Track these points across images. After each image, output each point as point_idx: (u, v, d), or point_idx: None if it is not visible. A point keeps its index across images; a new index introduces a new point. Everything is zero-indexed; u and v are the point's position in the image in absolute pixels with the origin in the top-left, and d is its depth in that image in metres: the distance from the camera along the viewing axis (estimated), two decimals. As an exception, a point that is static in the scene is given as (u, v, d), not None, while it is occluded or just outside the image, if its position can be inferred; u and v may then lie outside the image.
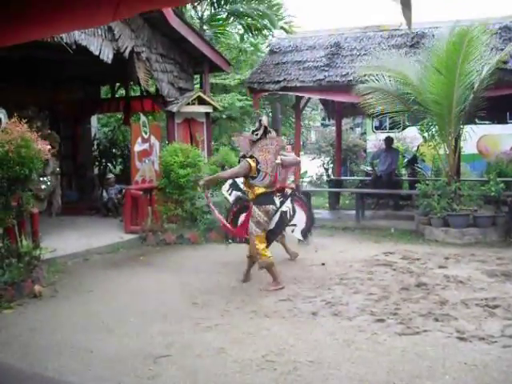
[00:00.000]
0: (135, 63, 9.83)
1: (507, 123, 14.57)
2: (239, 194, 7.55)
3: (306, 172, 16.54)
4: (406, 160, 14.68)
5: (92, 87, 13.41)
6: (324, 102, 14.50)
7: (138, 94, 13.44)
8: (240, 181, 7.34)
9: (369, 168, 14.36)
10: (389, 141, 13.03)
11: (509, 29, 10.48)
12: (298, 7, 36.41)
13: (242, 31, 16.96)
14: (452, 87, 9.33)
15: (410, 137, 15.80)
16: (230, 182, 7.68)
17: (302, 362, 4.52)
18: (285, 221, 7.07)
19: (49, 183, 9.05)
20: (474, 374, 4.23)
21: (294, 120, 15.28)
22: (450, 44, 9.22)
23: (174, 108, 10.78)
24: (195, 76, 12.46)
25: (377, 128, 17.49)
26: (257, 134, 6.64)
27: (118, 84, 13.87)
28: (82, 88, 12.95)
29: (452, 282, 6.76)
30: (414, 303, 5.98)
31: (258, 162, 6.57)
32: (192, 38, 10.74)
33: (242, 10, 14.94)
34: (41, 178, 8.49)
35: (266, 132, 6.66)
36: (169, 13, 9.85)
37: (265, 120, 6.83)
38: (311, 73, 11.25)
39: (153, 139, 10.51)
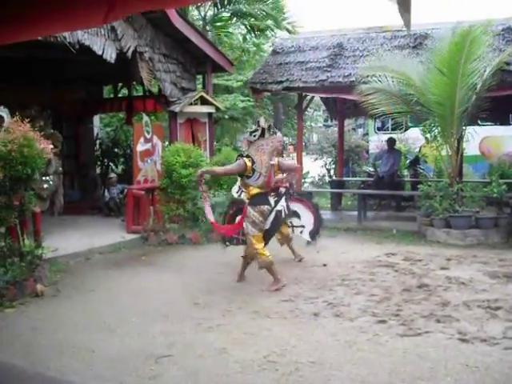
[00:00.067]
0: (138, 63, 9.84)
1: (510, 125, 14.53)
2: None
3: (308, 173, 16.54)
4: (408, 161, 14.65)
5: (95, 87, 13.42)
6: (326, 103, 14.50)
7: (141, 93, 13.45)
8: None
9: (371, 169, 14.34)
10: (391, 142, 13.02)
11: (512, 30, 10.47)
12: (301, 8, 36.42)
13: (244, 31, 16.95)
14: (454, 88, 9.33)
15: (413, 138, 15.77)
16: (239, 183, 7.69)
17: (303, 362, 4.52)
18: (280, 220, 7.08)
19: (51, 183, 9.06)
20: (475, 375, 4.23)
21: (296, 121, 15.27)
22: (452, 44, 9.22)
23: (176, 108, 10.78)
24: (198, 76, 12.46)
25: (379, 129, 17.48)
26: (255, 136, 6.68)
27: (120, 84, 13.88)
28: (85, 88, 12.95)
29: (454, 283, 6.76)
30: (415, 304, 5.98)
31: (253, 162, 6.61)
32: (195, 38, 10.74)
33: (245, 10, 14.93)
34: (43, 178, 8.50)
35: (263, 133, 6.69)
36: (172, 13, 9.86)
37: (262, 121, 6.86)
38: (314, 73, 11.25)
39: (155, 139, 10.51)
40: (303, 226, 7.84)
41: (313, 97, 12.89)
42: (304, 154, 15.21)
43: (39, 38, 7.58)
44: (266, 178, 6.66)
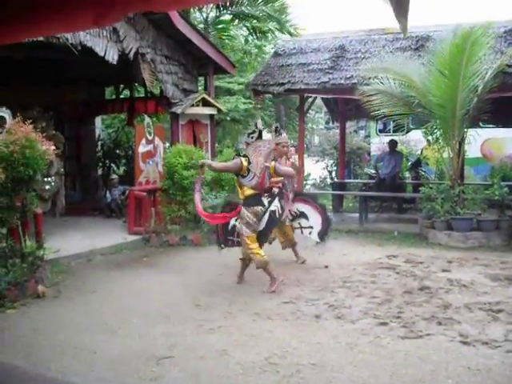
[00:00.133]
0: (140, 64, 9.85)
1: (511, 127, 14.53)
2: None
3: (310, 174, 16.54)
4: (409, 163, 14.66)
5: (96, 88, 13.44)
6: (328, 105, 14.51)
7: (143, 95, 13.46)
8: None
9: (372, 171, 14.34)
10: (393, 144, 13.03)
11: (514, 32, 10.47)
12: (304, 10, 36.40)
13: (246, 33, 16.96)
14: (456, 90, 9.32)
15: (414, 140, 15.79)
16: None
17: (304, 364, 4.51)
18: (274, 220, 7.11)
19: (53, 184, 9.07)
20: (477, 378, 4.22)
21: (297, 122, 15.28)
22: (453, 46, 9.22)
23: (178, 109, 10.79)
24: (199, 78, 12.47)
25: (381, 131, 17.49)
26: (252, 137, 6.78)
27: (122, 85, 13.90)
28: (87, 89, 12.98)
29: (455, 285, 6.75)
30: (417, 307, 5.97)
31: (250, 163, 6.68)
32: (197, 40, 10.75)
33: (247, 11, 14.93)
34: (45, 179, 8.51)
35: (260, 135, 6.80)
36: (174, 14, 9.87)
37: (259, 123, 6.99)
38: (316, 75, 11.26)
39: (157, 140, 10.52)
40: (311, 227, 7.87)
41: (314, 99, 12.89)
42: (305, 155, 15.21)
43: (41, 38, 7.62)
44: (260, 178, 6.72)
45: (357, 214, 11.62)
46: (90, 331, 5.43)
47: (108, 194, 12.53)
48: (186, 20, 10.62)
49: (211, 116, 11.85)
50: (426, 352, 4.73)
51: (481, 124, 12.20)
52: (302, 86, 11.24)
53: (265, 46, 17.88)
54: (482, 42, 9.20)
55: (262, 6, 14.92)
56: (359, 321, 5.58)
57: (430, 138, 10.71)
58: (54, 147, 7.29)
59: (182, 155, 10.01)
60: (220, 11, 15.57)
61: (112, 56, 9.14)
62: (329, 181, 16.32)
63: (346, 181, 14.68)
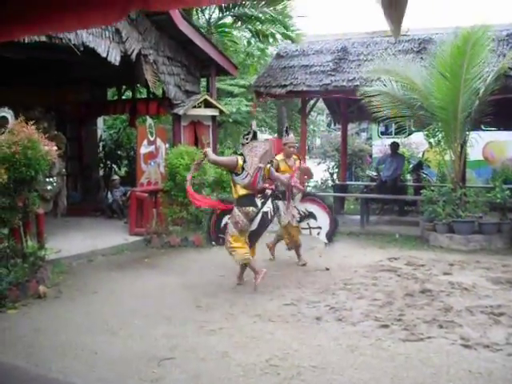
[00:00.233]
0: (142, 65, 9.86)
1: (513, 130, 14.53)
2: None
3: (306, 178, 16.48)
4: (411, 166, 14.65)
5: (99, 89, 13.45)
6: (330, 107, 14.51)
7: (145, 96, 13.47)
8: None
9: (374, 173, 14.34)
10: (394, 146, 13.02)
11: (517, 35, 10.48)
12: (305, 11, 36.46)
13: (249, 35, 16.93)
14: (457, 92, 9.32)
15: (416, 142, 15.78)
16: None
17: (305, 366, 4.51)
18: (266, 221, 7.18)
19: (55, 184, 9.07)
20: (478, 382, 4.22)
21: (299, 124, 15.28)
22: (454, 47, 9.21)
23: (180, 111, 10.80)
24: (201, 79, 12.48)
25: (382, 133, 17.48)
26: (247, 138, 6.91)
27: (124, 86, 13.91)
28: (89, 89, 12.99)
29: (457, 288, 6.74)
30: (418, 309, 5.97)
31: (245, 161, 6.80)
32: (199, 41, 10.76)
33: (250, 13, 14.90)
34: (47, 179, 8.52)
35: (255, 136, 6.93)
36: (176, 15, 9.88)
37: (254, 125, 7.39)
38: (318, 77, 11.27)
39: (159, 141, 10.53)
40: (320, 228, 7.91)
41: (316, 101, 12.91)
42: (307, 157, 15.21)
43: (44, 39, 7.64)
44: (253, 178, 6.80)
45: (358, 216, 11.62)
46: (91, 332, 5.43)
47: (109, 195, 12.54)
48: (188, 21, 10.63)
49: (213, 117, 11.85)
50: (427, 355, 4.72)
51: (483, 127, 12.22)
52: (304, 88, 11.25)
53: (267, 48, 17.87)
54: (482, 43, 9.18)
55: (264, 7, 14.88)
56: (360, 323, 5.57)
57: (431, 140, 10.71)
58: (55, 148, 7.29)
59: (184, 156, 10.02)
60: (223, 13, 15.56)
61: (114, 57, 9.16)
62: (330, 183, 16.30)
63: (348, 183, 14.67)
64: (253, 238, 7.09)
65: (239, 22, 15.64)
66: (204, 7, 15.06)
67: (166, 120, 14.51)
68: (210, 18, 16.03)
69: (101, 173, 14.04)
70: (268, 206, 7.20)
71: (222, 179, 10.50)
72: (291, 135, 8.25)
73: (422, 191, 10.64)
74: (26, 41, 7.42)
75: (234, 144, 17.25)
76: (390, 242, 9.88)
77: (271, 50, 17.80)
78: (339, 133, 16.04)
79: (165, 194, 10.31)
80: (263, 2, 13.61)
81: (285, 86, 11.42)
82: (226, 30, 16.46)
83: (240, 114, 15.78)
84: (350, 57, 11.59)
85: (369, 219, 11.77)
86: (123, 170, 14.53)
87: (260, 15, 14.32)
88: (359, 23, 52.15)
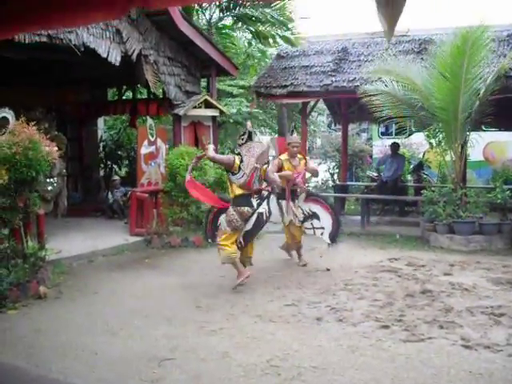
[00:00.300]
0: (143, 66, 9.86)
1: (514, 130, 14.52)
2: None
3: (312, 177, 16.49)
4: (411, 166, 14.64)
5: (99, 89, 13.46)
6: (330, 107, 14.50)
7: (145, 96, 13.47)
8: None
9: (374, 174, 14.33)
10: (395, 147, 13.02)
11: (517, 36, 10.47)
12: (306, 12, 36.39)
13: (249, 36, 16.91)
14: (458, 93, 9.32)
15: (417, 143, 15.77)
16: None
17: (306, 367, 4.51)
18: (261, 222, 7.18)
19: (55, 185, 9.06)
20: (479, 382, 4.22)
21: (299, 125, 15.26)
22: (454, 47, 9.21)
23: (180, 111, 10.80)
24: (202, 80, 12.47)
25: (383, 134, 17.47)
26: (243, 139, 6.98)
27: (124, 87, 13.90)
28: (90, 90, 12.99)
29: (457, 289, 6.74)
30: (418, 310, 5.96)
31: (241, 161, 6.83)
32: (199, 42, 10.76)
33: (250, 13, 14.88)
34: (47, 180, 8.51)
35: (250, 136, 7.00)
36: (177, 16, 9.88)
37: (249, 125, 7.25)
38: (318, 78, 11.27)
39: (159, 142, 10.53)
40: (323, 228, 7.92)
41: (317, 101, 12.89)
42: (308, 158, 15.21)
43: (45, 39, 7.64)
44: (248, 177, 6.82)
45: (359, 217, 11.61)
46: (92, 332, 5.43)
47: (110, 196, 12.54)
48: (189, 22, 10.62)
49: (213, 118, 11.85)
50: (428, 356, 4.72)
51: (483, 127, 12.20)
52: (305, 89, 11.25)
53: (267, 50, 17.85)
54: (481, 43, 9.17)
55: (264, 7, 14.84)
56: (361, 324, 5.57)
57: (432, 141, 10.71)
58: (56, 148, 7.29)
59: (185, 157, 10.01)
60: (223, 13, 15.55)
61: (115, 57, 9.16)
62: (331, 183, 16.29)
63: (348, 183, 14.65)
64: (247, 237, 7.12)
65: (240, 23, 15.62)
66: (204, 8, 15.08)
67: (166, 120, 14.50)
68: (210, 19, 16.01)
69: (101, 173, 14.04)
70: (263, 207, 7.20)
71: (222, 179, 10.47)
72: (295, 135, 8.35)
73: (422, 192, 10.64)
74: (27, 41, 7.44)
75: (234, 145, 17.23)
76: (390, 242, 9.88)
77: (271, 52, 17.78)
78: (340, 133, 16.03)
79: (165, 195, 10.31)
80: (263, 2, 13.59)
81: (285, 86, 11.43)
82: (227, 30, 16.45)
83: (241, 115, 15.77)
84: (350, 57, 11.59)
85: (369, 220, 11.77)
86: (124, 171, 14.53)
87: (260, 16, 14.29)
88: (360, 24, 52.15)
